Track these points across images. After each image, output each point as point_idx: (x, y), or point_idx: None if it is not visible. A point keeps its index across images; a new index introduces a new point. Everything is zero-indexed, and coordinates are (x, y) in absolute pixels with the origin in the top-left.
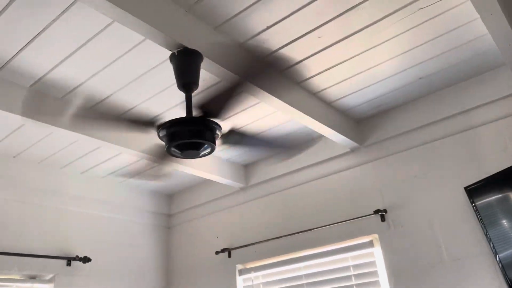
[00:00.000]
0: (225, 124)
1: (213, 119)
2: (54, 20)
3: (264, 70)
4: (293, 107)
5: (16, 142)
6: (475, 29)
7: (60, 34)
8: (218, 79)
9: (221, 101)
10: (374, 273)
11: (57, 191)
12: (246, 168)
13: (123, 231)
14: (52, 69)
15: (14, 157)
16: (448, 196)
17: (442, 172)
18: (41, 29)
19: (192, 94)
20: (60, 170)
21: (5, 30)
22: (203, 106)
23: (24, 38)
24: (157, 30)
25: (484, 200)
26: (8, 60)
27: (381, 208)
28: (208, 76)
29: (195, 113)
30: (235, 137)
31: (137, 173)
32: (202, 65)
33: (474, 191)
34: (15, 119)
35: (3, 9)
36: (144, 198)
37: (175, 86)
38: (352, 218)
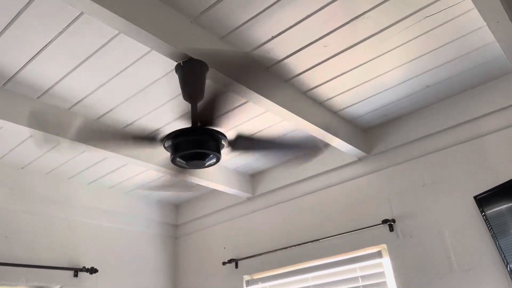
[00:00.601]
0: (232, 132)
1: (218, 129)
2: (61, 33)
3: (270, 80)
4: (299, 116)
5: (24, 153)
6: (482, 37)
7: (66, 46)
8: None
9: (210, 108)
10: (383, 284)
11: (64, 201)
12: (253, 178)
13: (130, 242)
14: (59, 81)
15: (22, 168)
16: (458, 205)
17: (451, 181)
18: (48, 41)
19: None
20: (68, 181)
21: (12, 42)
22: (199, 117)
23: (31, 51)
24: (162, 41)
25: (494, 209)
26: (15, 72)
27: (389, 217)
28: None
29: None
30: (244, 142)
31: (146, 184)
32: (208, 75)
33: (483, 200)
34: (22, 131)
35: (10, 21)
36: (151, 209)
37: (181, 96)
38: (360, 228)
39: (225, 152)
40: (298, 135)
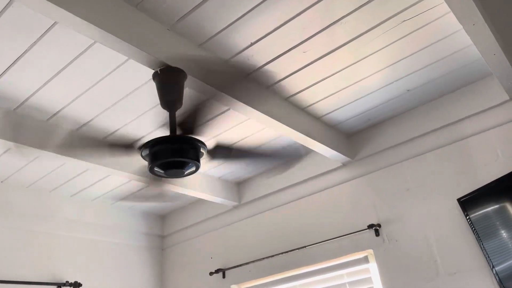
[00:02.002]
0: (212, 141)
1: (197, 137)
2: (35, 43)
3: (250, 86)
4: (282, 122)
5: (3, 167)
6: (460, 40)
7: (42, 57)
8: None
9: (194, 118)
10: None
11: (46, 215)
12: (239, 186)
13: (115, 254)
14: (36, 92)
15: (1, 182)
16: (442, 208)
17: (435, 184)
18: (23, 51)
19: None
20: (49, 194)
21: None
22: (180, 124)
23: (5, 62)
24: (139, 49)
25: (478, 212)
26: None
27: (375, 222)
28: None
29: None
30: (223, 151)
31: (130, 195)
32: (186, 83)
33: (467, 202)
34: (1, 144)
35: None
36: (136, 220)
37: (159, 106)
38: (346, 233)
39: (204, 161)
40: (278, 143)
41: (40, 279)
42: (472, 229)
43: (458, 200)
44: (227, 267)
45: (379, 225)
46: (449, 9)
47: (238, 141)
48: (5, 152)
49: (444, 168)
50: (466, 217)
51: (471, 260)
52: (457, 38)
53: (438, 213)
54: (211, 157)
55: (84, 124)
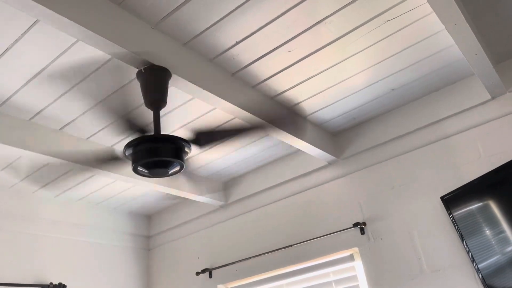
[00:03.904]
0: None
1: (182, 137)
2: (16, 41)
3: (236, 85)
4: (267, 121)
5: None
6: (442, 40)
7: (22, 56)
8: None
9: (214, 137)
10: (356, 287)
11: (29, 216)
12: (226, 185)
13: (100, 255)
14: (17, 91)
15: None
16: (426, 206)
17: (419, 182)
18: (3, 50)
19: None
20: (33, 195)
21: None
22: (199, 133)
23: None
24: (122, 48)
25: (460, 210)
26: None
27: (360, 221)
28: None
29: (185, 133)
30: (206, 136)
31: (113, 197)
32: (171, 81)
33: (450, 200)
34: None
35: None
36: (121, 220)
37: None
38: (332, 232)
39: (196, 151)
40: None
41: (24, 281)
42: (455, 227)
43: (442, 198)
44: (213, 267)
45: (364, 224)
46: (430, 10)
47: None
48: None
49: (428, 167)
50: (449, 215)
51: (454, 257)
52: (440, 38)
53: (422, 211)
54: (199, 145)
55: (65, 125)
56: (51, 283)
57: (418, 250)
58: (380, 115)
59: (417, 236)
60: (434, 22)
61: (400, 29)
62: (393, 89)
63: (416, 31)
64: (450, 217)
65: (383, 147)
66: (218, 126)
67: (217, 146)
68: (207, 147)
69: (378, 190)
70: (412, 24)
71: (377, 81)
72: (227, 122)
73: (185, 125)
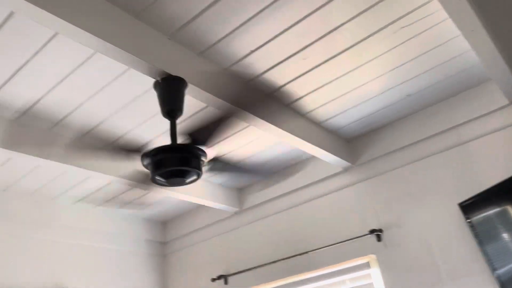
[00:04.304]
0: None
1: (198, 146)
2: (37, 52)
3: (251, 94)
4: (282, 129)
5: (6, 176)
6: (459, 45)
7: (43, 66)
8: (204, 105)
9: (210, 130)
10: None
11: (48, 222)
12: (240, 192)
13: (116, 261)
14: (38, 100)
15: (4, 190)
16: (443, 213)
17: (436, 189)
18: (25, 62)
19: (178, 121)
20: (51, 201)
21: None
22: (191, 134)
23: (8, 71)
24: (139, 59)
25: (478, 216)
26: None
27: (376, 227)
28: (193, 102)
29: (181, 140)
30: (219, 165)
31: (127, 202)
32: (187, 91)
33: (468, 207)
34: (2, 153)
35: None
36: (137, 226)
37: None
38: (348, 239)
39: (205, 170)
40: (279, 150)
41: (42, 286)
42: (473, 233)
43: (459, 204)
44: (229, 273)
45: (380, 230)
46: (446, 16)
47: (236, 149)
48: (8, 161)
49: (445, 173)
50: (467, 221)
51: (473, 264)
52: (456, 43)
53: (440, 218)
54: (208, 169)
55: (87, 132)
56: None
57: (436, 258)
58: (395, 121)
59: (434, 243)
60: (449, 28)
61: (415, 35)
62: (408, 95)
63: (431, 37)
64: (469, 224)
65: (399, 153)
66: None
67: (232, 152)
68: (215, 174)
69: (394, 197)
70: (428, 30)
71: (393, 87)
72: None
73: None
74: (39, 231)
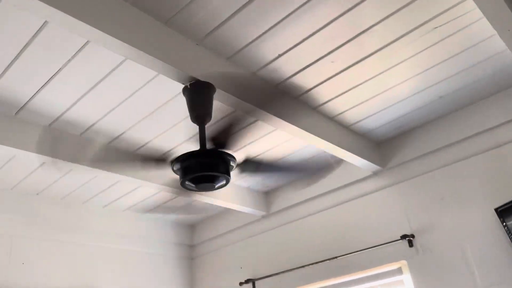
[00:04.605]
0: (241, 153)
1: (226, 151)
2: (69, 61)
3: (279, 97)
4: (311, 132)
5: (38, 180)
6: (494, 45)
7: (75, 74)
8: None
9: (227, 133)
10: None
11: (79, 226)
12: (267, 196)
13: (145, 264)
14: (70, 107)
15: (37, 194)
16: (478, 218)
17: (470, 193)
18: (57, 70)
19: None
20: (82, 205)
21: (22, 72)
22: (213, 139)
23: (41, 80)
24: (169, 65)
25: None
26: (27, 101)
27: (408, 233)
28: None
29: (208, 145)
30: (252, 165)
31: (158, 207)
32: (215, 96)
33: (505, 212)
34: (35, 158)
35: (19, 52)
36: (165, 230)
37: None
38: (378, 244)
39: (233, 174)
40: (305, 153)
41: None
42: (510, 238)
43: (496, 209)
44: (256, 278)
45: (412, 236)
46: (481, 15)
47: (265, 152)
48: (40, 165)
49: (479, 177)
50: (504, 227)
51: (509, 270)
52: (491, 43)
53: (474, 223)
54: (240, 170)
55: (116, 138)
56: None
57: (471, 264)
58: (427, 123)
59: (469, 249)
60: (484, 28)
61: (448, 36)
62: (441, 97)
63: (465, 37)
64: (505, 228)
65: (431, 156)
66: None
67: (261, 155)
68: (248, 175)
69: (426, 201)
70: (461, 30)
71: (424, 89)
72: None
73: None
74: (71, 235)
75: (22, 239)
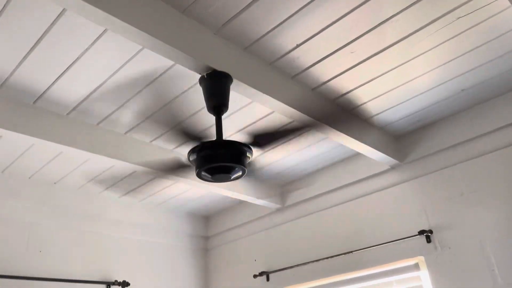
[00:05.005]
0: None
1: (245, 143)
2: (86, 50)
3: (296, 88)
4: (327, 124)
5: (56, 169)
6: None
7: (93, 63)
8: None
9: (274, 137)
10: None
11: (96, 215)
12: (282, 189)
13: (161, 255)
14: (87, 97)
15: (54, 183)
16: (499, 214)
17: (490, 189)
18: (75, 59)
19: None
20: (99, 195)
21: (40, 61)
22: (257, 136)
23: (59, 69)
24: (186, 54)
25: None
26: (45, 90)
27: (426, 228)
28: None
29: (243, 137)
30: (265, 138)
31: (173, 198)
32: (232, 86)
33: None
34: (53, 147)
35: (36, 41)
36: (181, 221)
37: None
38: (395, 239)
39: (257, 153)
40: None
41: (91, 278)
42: None
43: None
44: (271, 270)
45: (430, 231)
46: (507, 4)
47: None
48: (57, 155)
49: (500, 172)
50: None
51: None
52: None
53: (495, 220)
54: (260, 147)
55: (133, 128)
56: (115, 281)
57: (491, 261)
58: (448, 117)
59: (489, 245)
60: (511, 17)
61: (472, 26)
62: (463, 90)
63: (490, 28)
64: None
65: (451, 151)
66: (276, 129)
67: (276, 147)
68: (267, 148)
69: (445, 197)
70: (486, 20)
71: (445, 82)
72: (284, 125)
73: (241, 129)
74: (88, 224)
75: (39, 227)
